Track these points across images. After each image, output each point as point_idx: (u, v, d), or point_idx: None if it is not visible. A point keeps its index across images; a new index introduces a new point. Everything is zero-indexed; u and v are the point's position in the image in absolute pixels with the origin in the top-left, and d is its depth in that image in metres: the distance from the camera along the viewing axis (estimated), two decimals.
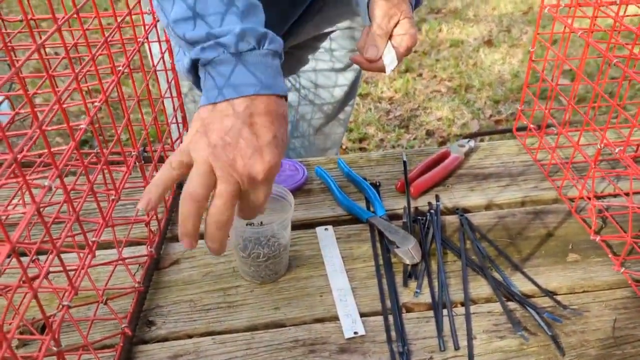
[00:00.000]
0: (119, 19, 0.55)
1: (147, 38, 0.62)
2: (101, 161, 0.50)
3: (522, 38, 2.89)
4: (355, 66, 1.00)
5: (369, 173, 0.76)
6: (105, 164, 0.50)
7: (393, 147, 2.09)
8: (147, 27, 0.64)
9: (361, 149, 2.08)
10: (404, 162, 0.73)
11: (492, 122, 2.19)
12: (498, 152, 0.81)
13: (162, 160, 0.70)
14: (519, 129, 0.83)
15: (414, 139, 2.12)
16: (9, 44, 0.58)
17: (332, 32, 0.96)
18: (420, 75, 2.59)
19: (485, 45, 2.84)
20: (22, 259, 0.43)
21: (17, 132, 0.64)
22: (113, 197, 0.53)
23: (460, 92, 2.41)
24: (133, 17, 0.62)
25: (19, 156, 0.47)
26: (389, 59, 0.66)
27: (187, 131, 0.77)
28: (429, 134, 2.15)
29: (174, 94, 0.73)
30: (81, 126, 0.45)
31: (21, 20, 0.68)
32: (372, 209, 0.69)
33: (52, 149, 0.40)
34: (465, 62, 2.67)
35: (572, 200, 0.69)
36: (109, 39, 0.50)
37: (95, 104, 0.48)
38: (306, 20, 0.93)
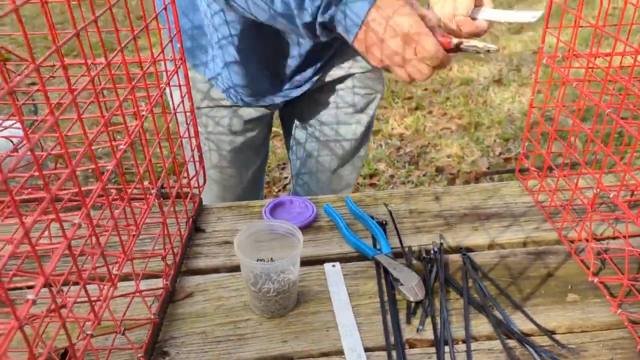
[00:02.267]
0: (144, 66, 0.60)
1: (169, 84, 0.67)
2: (124, 199, 0.54)
3: (532, 77, 2.94)
4: (370, 109, 1.04)
5: (376, 211, 0.79)
6: (128, 201, 0.54)
7: (403, 183, 2.12)
8: (169, 73, 0.68)
9: (372, 185, 2.11)
10: (389, 212, 0.77)
11: (501, 160, 2.22)
12: (501, 192, 0.83)
13: (179, 196, 0.74)
14: (522, 171, 0.86)
15: (424, 175, 2.16)
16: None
17: (351, 74, 1.00)
18: (430, 112, 2.63)
19: (495, 84, 2.89)
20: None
21: (50, 171, 0.68)
22: (134, 232, 0.56)
23: (470, 129, 2.45)
24: (154, 63, 0.67)
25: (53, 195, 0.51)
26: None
27: (203, 169, 0.81)
28: (439, 170, 2.18)
29: (192, 133, 0.77)
30: (108, 167, 0.49)
31: (53, 66, 0.73)
32: (378, 246, 0.72)
33: (80, 187, 0.44)
34: (475, 100, 2.72)
35: (572, 241, 0.72)
36: (134, 85, 0.55)
37: (121, 146, 0.52)
38: (330, 64, 0.97)
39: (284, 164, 2.23)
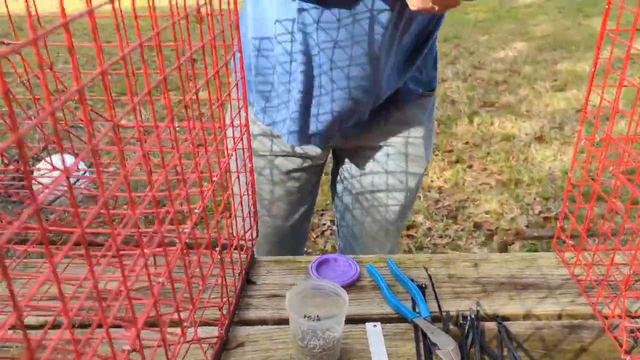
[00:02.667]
0: (217, 132, 0.68)
1: (235, 150, 0.75)
2: (197, 258, 0.60)
3: (575, 136, 2.94)
4: (416, 182, 1.08)
5: (416, 274, 0.84)
6: (198, 261, 0.61)
7: (440, 236, 2.14)
8: (236, 140, 0.76)
9: (409, 237, 2.14)
10: (429, 276, 0.82)
11: (540, 219, 2.22)
12: (538, 263, 0.87)
13: (236, 248, 0.81)
14: (559, 243, 0.90)
15: (462, 230, 2.18)
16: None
17: (403, 142, 1.05)
18: (470, 167, 2.67)
19: (537, 141, 2.91)
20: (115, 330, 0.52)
21: (117, 211, 0.76)
22: (200, 287, 0.63)
23: (509, 186, 2.47)
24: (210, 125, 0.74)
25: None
26: None
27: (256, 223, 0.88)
28: (477, 226, 2.20)
29: (248, 191, 0.84)
30: (186, 230, 0.56)
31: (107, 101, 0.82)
32: (417, 309, 0.77)
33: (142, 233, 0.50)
34: (516, 156, 2.74)
35: (605, 317, 0.74)
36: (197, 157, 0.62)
37: (195, 210, 0.59)
38: (381, 118, 1.02)
39: (323, 210, 2.29)
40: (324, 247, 2.06)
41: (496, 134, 3.00)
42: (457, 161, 2.71)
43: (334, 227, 2.14)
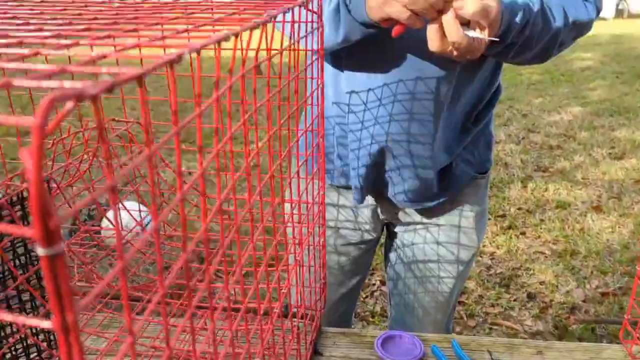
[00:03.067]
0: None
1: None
2: (269, 327, 0.65)
3: (634, 207, 2.87)
4: (471, 260, 1.10)
5: (480, 357, 0.85)
6: (272, 332, 0.65)
7: (492, 305, 2.11)
8: (309, 208, 0.81)
9: (460, 303, 2.12)
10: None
11: (597, 294, 2.16)
12: (604, 355, 0.86)
13: (301, 317, 0.85)
14: (625, 335, 0.89)
15: (514, 300, 2.14)
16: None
17: (459, 215, 1.07)
18: (523, 233, 2.64)
19: (594, 210, 2.86)
20: None
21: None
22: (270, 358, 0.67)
23: (565, 256, 2.42)
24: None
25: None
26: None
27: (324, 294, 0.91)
28: (530, 297, 2.15)
29: (317, 262, 0.88)
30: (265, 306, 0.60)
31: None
32: None
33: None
34: (571, 225, 2.69)
35: None
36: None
37: (284, 290, 0.64)
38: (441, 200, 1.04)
39: (373, 269, 2.30)
40: (373, 308, 2.07)
41: (551, 201, 2.96)
42: (510, 227, 2.68)
43: (384, 288, 2.14)
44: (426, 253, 1.09)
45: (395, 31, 0.79)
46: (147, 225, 1.09)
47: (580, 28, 0.90)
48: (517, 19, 0.79)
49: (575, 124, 4.41)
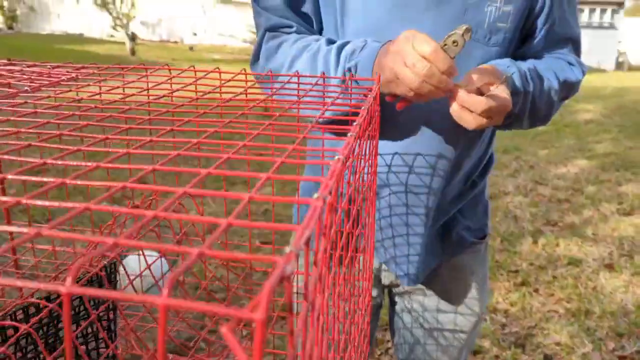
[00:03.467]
0: None
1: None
2: None
3: None
4: (472, 313, 1.07)
5: None
6: None
7: None
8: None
9: None
10: None
11: (615, 357, 2.12)
12: None
13: None
14: None
15: None
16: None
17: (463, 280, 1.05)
18: (536, 290, 2.61)
19: (606, 268, 2.84)
20: None
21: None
22: None
23: (579, 316, 2.39)
24: None
25: None
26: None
27: None
28: (547, 358, 2.12)
29: None
30: None
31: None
32: None
33: None
34: (584, 283, 2.67)
35: None
36: None
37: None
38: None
39: (386, 325, 2.27)
40: None
41: (562, 257, 2.95)
42: (523, 283, 2.66)
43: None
44: (427, 320, 1.07)
45: (399, 106, 0.81)
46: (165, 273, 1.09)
47: (569, 89, 0.93)
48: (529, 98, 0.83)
49: (582, 177, 4.43)
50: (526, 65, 0.85)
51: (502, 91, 0.75)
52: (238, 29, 15.82)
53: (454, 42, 0.71)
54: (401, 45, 0.72)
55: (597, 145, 5.56)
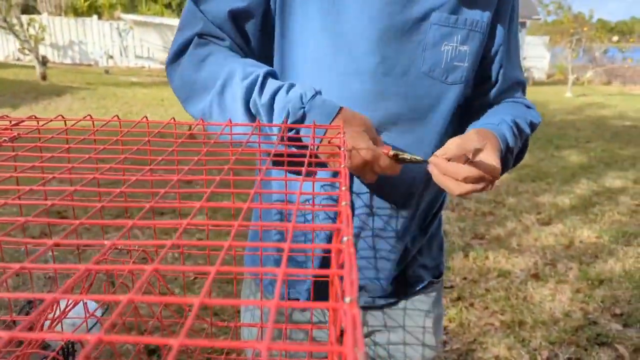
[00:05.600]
0: None
1: None
2: None
3: (568, 274, 3.04)
4: (440, 331, 1.06)
5: None
6: None
7: None
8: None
9: None
10: None
11: None
12: None
13: None
14: None
15: None
16: None
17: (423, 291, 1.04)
18: (472, 305, 2.69)
19: (533, 278, 2.99)
20: None
21: None
22: None
23: (513, 327, 2.49)
24: None
25: None
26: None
27: None
28: None
29: None
30: None
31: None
32: None
33: None
34: (515, 295, 2.79)
35: None
36: None
37: None
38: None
39: None
40: None
41: (492, 270, 3.07)
42: (458, 298, 2.74)
43: None
44: (380, 356, 1.05)
45: None
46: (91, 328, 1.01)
47: (533, 131, 0.97)
48: (509, 163, 0.85)
49: (502, 190, 4.67)
50: (509, 118, 0.87)
51: (490, 157, 0.76)
52: (156, 50, 15.44)
53: (408, 159, 0.76)
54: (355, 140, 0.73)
55: None
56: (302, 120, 0.74)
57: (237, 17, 0.84)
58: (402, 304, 1.02)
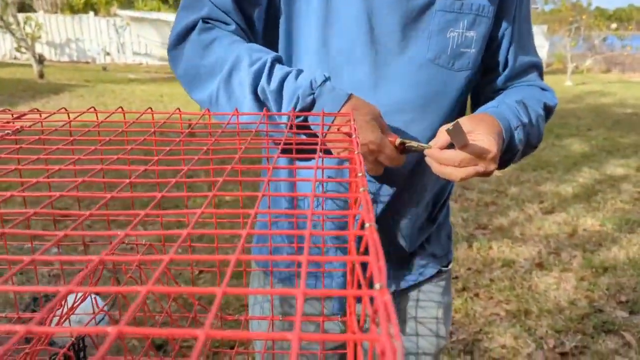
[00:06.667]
0: None
1: None
2: None
3: (572, 263, 3.03)
4: (449, 320, 1.06)
5: None
6: None
7: None
8: None
9: None
10: None
11: (557, 355, 2.21)
12: None
13: None
14: None
15: None
16: None
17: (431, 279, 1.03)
18: (477, 295, 2.69)
19: (537, 267, 2.98)
20: None
21: None
22: None
23: (519, 317, 2.48)
24: None
25: None
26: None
27: None
28: None
29: None
30: None
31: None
32: None
33: None
34: (519, 284, 2.78)
35: None
36: None
37: None
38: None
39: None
40: None
41: (496, 259, 3.06)
42: (463, 288, 2.73)
43: None
44: (404, 347, 1.06)
45: None
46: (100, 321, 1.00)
47: (549, 114, 0.95)
48: (517, 142, 0.83)
49: (504, 180, 4.65)
50: (512, 100, 0.86)
51: (482, 138, 0.75)
52: (154, 47, 15.39)
53: (415, 147, 0.76)
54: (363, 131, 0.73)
55: None
56: (311, 106, 0.73)
57: (244, 2, 0.82)
58: (413, 294, 1.01)
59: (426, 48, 0.82)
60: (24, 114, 0.66)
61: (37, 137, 0.58)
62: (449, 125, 0.72)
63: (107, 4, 17.93)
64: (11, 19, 11.44)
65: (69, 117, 0.65)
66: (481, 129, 0.76)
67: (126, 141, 0.62)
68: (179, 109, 0.68)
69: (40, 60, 11.05)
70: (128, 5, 18.54)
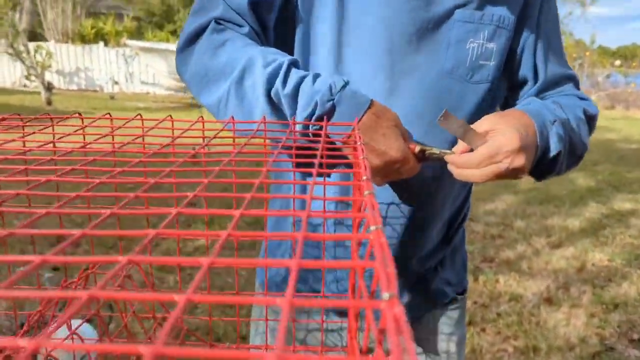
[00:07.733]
0: None
1: None
2: None
3: (582, 298, 2.94)
4: (463, 350, 1.02)
5: None
6: None
7: None
8: None
9: None
10: None
11: None
12: None
13: None
14: None
15: None
16: None
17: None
18: (483, 330, 2.60)
19: (546, 302, 2.89)
20: None
21: None
22: None
23: (528, 353, 2.39)
24: None
25: None
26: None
27: None
28: None
29: None
30: None
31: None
32: None
33: None
34: (527, 319, 2.70)
35: None
36: None
37: None
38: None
39: None
40: None
41: (503, 293, 2.98)
42: (470, 322, 2.64)
43: None
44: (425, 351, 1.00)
45: None
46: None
47: (592, 123, 0.89)
48: (556, 139, 0.77)
49: (510, 213, 4.59)
50: (543, 101, 0.82)
51: (501, 132, 0.71)
52: (161, 77, 15.58)
53: (437, 154, 0.73)
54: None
55: (520, 181, 5.82)
56: (331, 112, 0.68)
57: (258, 4, 0.78)
58: (425, 320, 0.96)
59: (444, 59, 0.79)
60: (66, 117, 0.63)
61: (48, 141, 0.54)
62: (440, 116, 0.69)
63: (117, 34, 18.27)
64: (22, 47, 11.63)
65: (82, 122, 0.62)
66: (503, 124, 0.72)
67: (144, 145, 0.58)
68: (202, 116, 0.65)
69: (49, 87, 11.18)
70: (138, 36, 18.89)
